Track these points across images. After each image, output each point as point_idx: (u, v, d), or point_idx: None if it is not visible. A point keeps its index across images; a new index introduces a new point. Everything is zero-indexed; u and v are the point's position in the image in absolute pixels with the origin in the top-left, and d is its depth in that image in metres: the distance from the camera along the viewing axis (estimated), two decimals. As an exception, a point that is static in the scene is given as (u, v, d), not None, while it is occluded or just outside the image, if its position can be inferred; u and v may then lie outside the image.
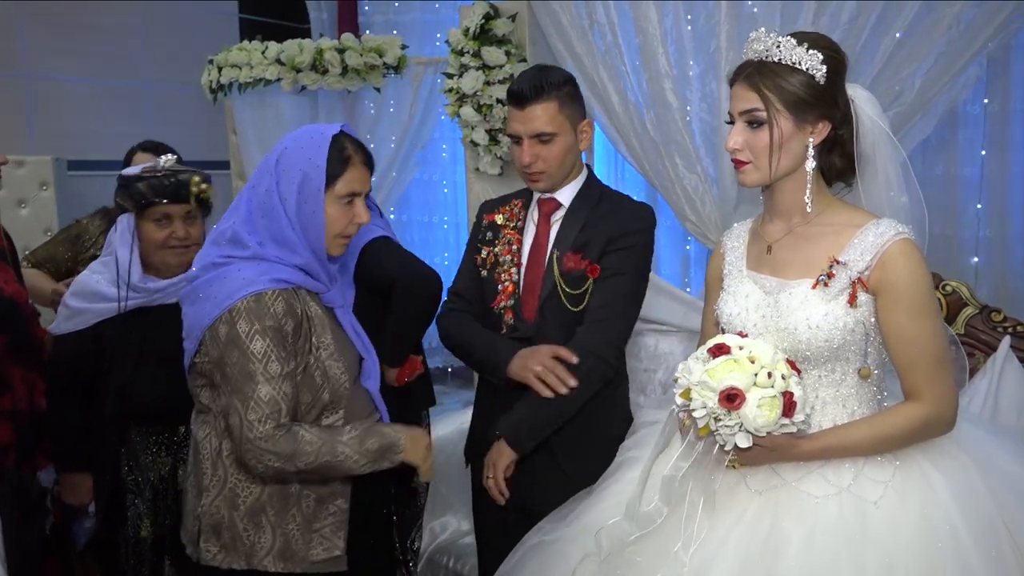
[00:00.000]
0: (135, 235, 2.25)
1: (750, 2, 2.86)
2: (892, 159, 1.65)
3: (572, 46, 3.16)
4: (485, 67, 3.22)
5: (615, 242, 2.08)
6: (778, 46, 1.61)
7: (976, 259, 3.11)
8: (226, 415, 1.72)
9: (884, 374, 1.68)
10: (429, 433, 2.21)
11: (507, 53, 3.20)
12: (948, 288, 2.74)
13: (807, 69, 1.58)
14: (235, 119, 3.91)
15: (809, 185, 1.64)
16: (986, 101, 3.04)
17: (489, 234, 2.22)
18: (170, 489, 2.26)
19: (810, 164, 1.62)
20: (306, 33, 4.52)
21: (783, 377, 1.49)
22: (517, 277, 2.15)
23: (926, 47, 2.69)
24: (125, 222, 2.27)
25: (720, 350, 1.53)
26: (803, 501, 1.55)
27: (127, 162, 2.97)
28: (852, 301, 1.58)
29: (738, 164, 1.67)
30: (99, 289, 2.25)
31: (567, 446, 2.08)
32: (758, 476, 1.59)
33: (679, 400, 1.55)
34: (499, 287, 2.15)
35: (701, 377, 1.50)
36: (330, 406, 1.81)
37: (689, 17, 2.97)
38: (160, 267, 2.26)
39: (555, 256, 2.10)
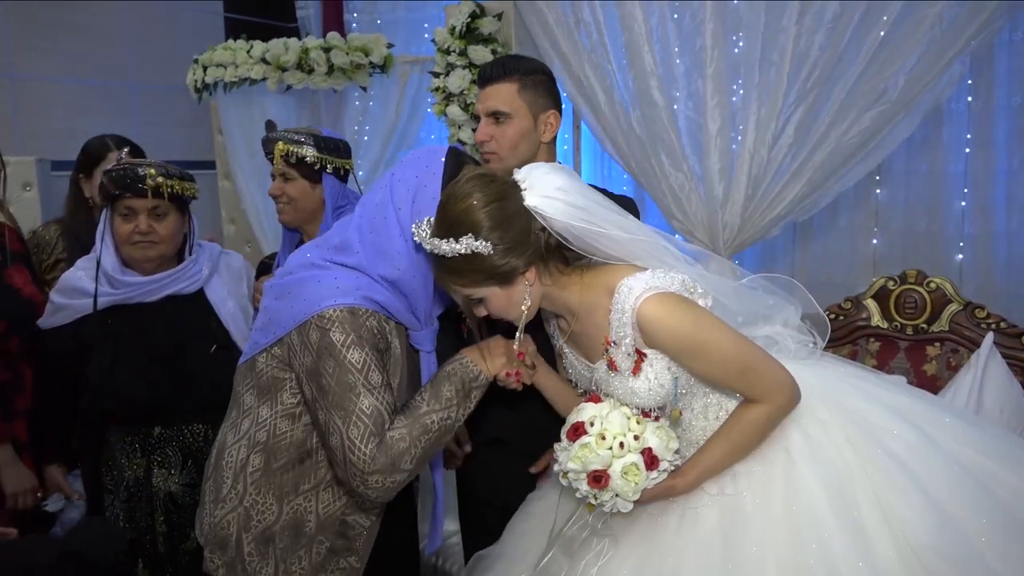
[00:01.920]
0: (107, 229, 2.24)
1: (735, 1, 2.87)
2: (608, 240, 1.58)
3: (558, 44, 3.16)
4: (471, 66, 3.22)
5: None
6: (436, 247, 1.52)
7: (960, 256, 3.12)
8: (323, 435, 1.59)
9: None
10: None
11: (493, 52, 3.19)
12: (932, 285, 2.76)
13: (475, 251, 1.50)
14: (221, 119, 3.89)
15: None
16: (970, 99, 3.05)
17: None
18: (144, 491, 2.25)
19: (526, 305, 1.59)
20: (292, 32, 4.49)
21: (636, 438, 1.55)
22: None
23: (910, 45, 2.71)
24: (104, 216, 2.26)
25: (576, 432, 1.59)
26: (688, 516, 1.61)
27: (95, 161, 2.89)
28: (636, 372, 1.59)
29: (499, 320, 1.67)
30: (80, 285, 2.24)
31: (548, 446, 2.08)
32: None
33: (562, 481, 1.62)
34: None
35: (568, 465, 1.58)
36: None
37: (675, 16, 2.97)
38: (129, 262, 2.23)
39: None
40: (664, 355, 1.59)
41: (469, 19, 3.19)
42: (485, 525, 2.10)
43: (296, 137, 2.26)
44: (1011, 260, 3.05)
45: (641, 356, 1.58)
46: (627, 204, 2.16)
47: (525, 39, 3.30)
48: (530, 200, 1.54)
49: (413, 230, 1.58)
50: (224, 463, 1.72)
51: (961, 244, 3.13)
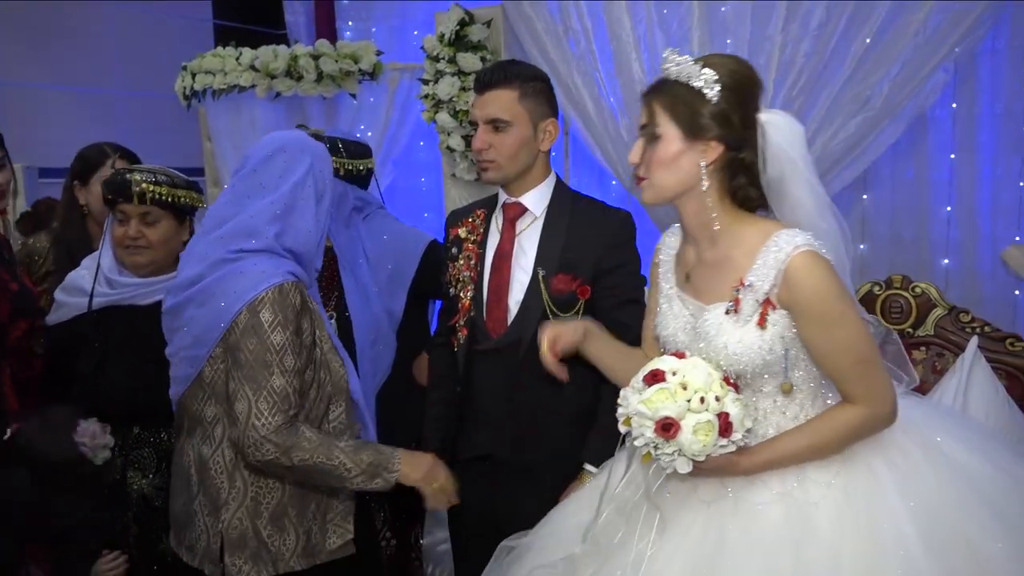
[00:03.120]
0: (108, 231, 2.29)
1: (723, 8, 2.90)
2: (805, 188, 1.60)
3: (547, 52, 3.18)
4: (460, 73, 3.23)
5: (609, 260, 2.03)
6: (676, 64, 1.59)
7: (946, 261, 3.15)
8: (229, 400, 1.71)
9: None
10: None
11: (482, 59, 3.21)
12: (917, 290, 2.78)
13: (699, 87, 1.56)
14: (209, 126, 3.89)
15: (709, 205, 1.61)
16: (954, 105, 3.07)
17: (454, 250, 2.17)
18: (119, 491, 2.24)
19: (704, 184, 1.58)
20: (281, 39, 4.50)
21: (717, 399, 1.49)
22: (473, 293, 2.10)
23: (894, 52, 2.74)
24: (108, 219, 2.30)
25: (655, 378, 1.52)
26: (748, 510, 1.55)
27: (92, 168, 2.88)
28: (762, 323, 1.55)
29: (637, 181, 1.66)
30: (81, 284, 2.28)
31: (548, 468, 2.05)
32: (707, 487, 1.59)
33: (622, 428, 1.55)
34: (459, 305, 2.12)
35: (637, 407, 1.50)
36: (334, 398, 1.87)
37: (662, 23, 3.00)
38: (123, 266, 2.26)
39: (541, 276, 2.04)
40: (789, 318, 1.55)
41: (458, 26, 3.21)
42: (474, 538, 2.09)
43: None
44: (995, 265, 3.07)
45: (769, 307, 1.55)
46: (626, 219, 2.11)
47: (514, 46, 3.32)
48: (765, 116, 1.59)
49: (665, 54, 1.65)
50: (212, 473, 1.79)
51: (946, 249, 3.15)
